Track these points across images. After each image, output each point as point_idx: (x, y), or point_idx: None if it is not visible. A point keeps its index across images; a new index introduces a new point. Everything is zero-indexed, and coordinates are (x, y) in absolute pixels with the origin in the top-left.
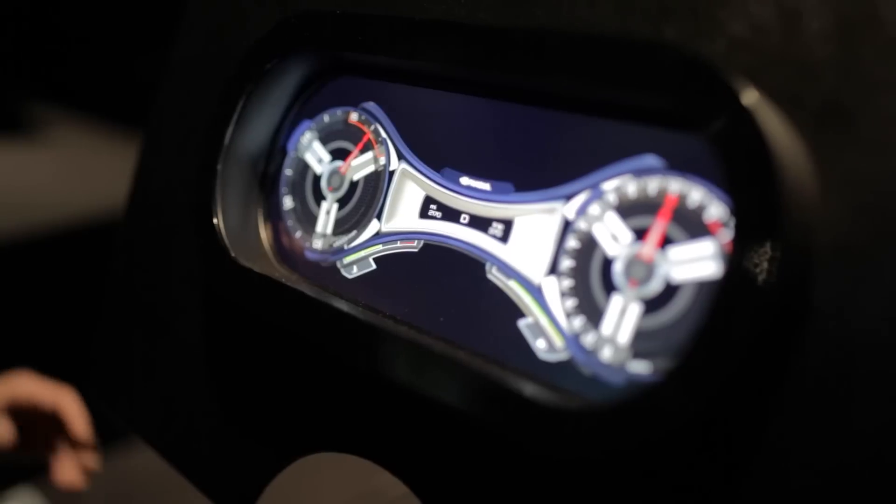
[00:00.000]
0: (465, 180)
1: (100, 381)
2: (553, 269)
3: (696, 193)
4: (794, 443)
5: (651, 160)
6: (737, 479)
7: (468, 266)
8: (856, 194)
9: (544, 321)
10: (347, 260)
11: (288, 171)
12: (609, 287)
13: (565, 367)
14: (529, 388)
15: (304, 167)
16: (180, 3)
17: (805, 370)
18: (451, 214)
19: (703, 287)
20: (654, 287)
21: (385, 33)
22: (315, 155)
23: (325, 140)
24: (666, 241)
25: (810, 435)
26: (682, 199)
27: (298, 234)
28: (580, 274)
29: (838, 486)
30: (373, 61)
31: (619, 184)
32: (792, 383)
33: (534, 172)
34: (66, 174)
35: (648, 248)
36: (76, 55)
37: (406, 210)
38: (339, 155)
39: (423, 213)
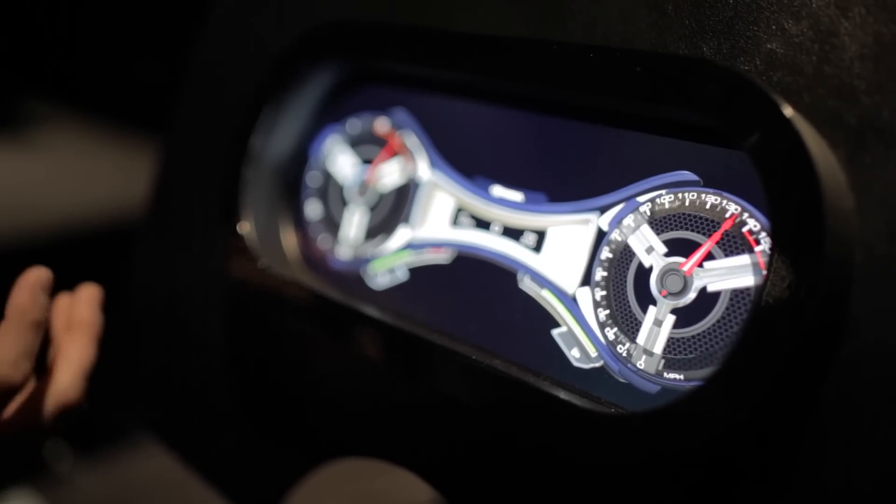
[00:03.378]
0: (497, 190)
1: (118, 386)
2: (587, 280)
3: (732, 207)
4: (833, 451)
5: (687, 174)
6: (774, 488)
7: (500, 276)
8: (892, 210)
9: (578, 331)
10: (374, 267)
11: (314, 178)
12: (644, 297)
13: (599, 375)
14: (566, 396)
15: (330, 174)
16: (185, 4)
17: (843, 380)
18: (482, 224)
19: (740, 298)
20: (689, 298)
21: (420, 44)
22: (342, 162)
23: (353, 147)
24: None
25: (849, 444)
26: (714, 210)
27: (325, 241)
28: (614, 284)
29: (875, 494)
30: (404, 70)
31: (654, 197)
32: (830, 393)
33: (568, 184)
34: (66, 176)
35: (694, 266)
36: (77, 55)
37: (436, 218)
38: (367, 162)
39: (454, 222)
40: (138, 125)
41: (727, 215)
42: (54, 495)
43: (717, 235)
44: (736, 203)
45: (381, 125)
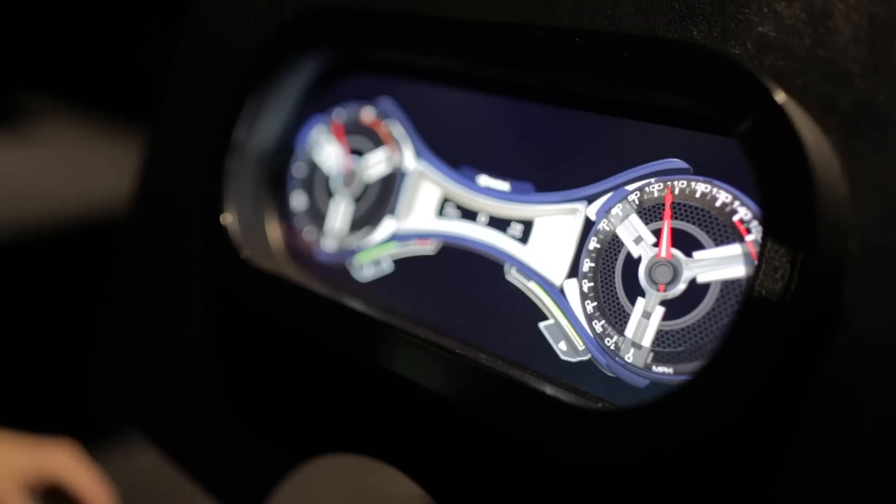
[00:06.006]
0: (483, 180)
1: (104, 381)
2: (574, 271)
3: (722, 196)
4: (828, 446)
5: (676, 162)
6: (767, 484)
7: (486, 267)
8: (886, 198)
9: (565, 323)
10: (359, 259)
11: (300, 169)
12: (632, 289)
13: (586, 369)
14: (553, 390)
15: (315, 165)
16: None
17: (837, 373)
18: (468, 214)
19: (730, 289)
20: (679, 289)
21: (405, 30)
22: (327, 153)
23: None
24: (693, 244)
25: (844, 438)
26: (704, 199)
27: (310, 232)
28: (602, 276)
29: (871, 490)
30: (390, 58)
31: (642, 186)
32: (824, 387)
33: (555, 173)
34: (62, 169)
35: (668, 248)
36: (73, 46)
37: (422, 209)
38: (353, 152)
39: (440, 213)
40: (134, 118)
41: (717, 204)
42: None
43: (667, 213)
44: (726, 191)
45: (368, 114)
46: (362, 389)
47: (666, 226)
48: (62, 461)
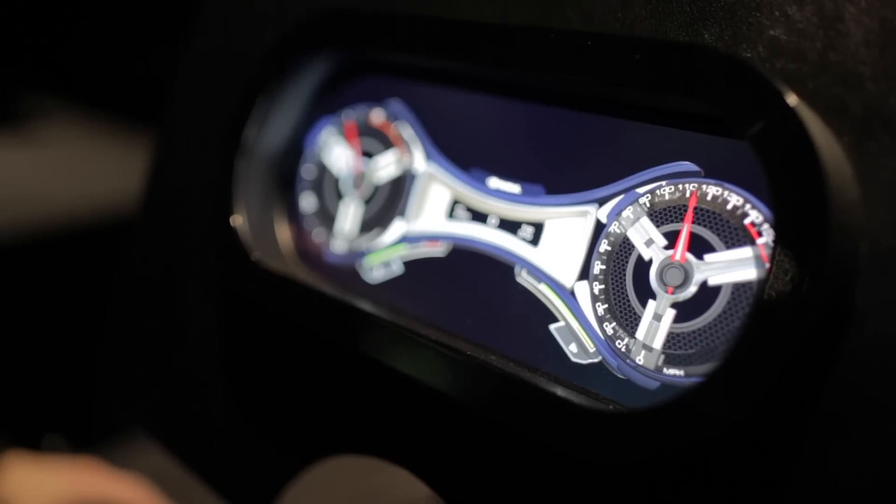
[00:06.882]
0: (493, 182)
1: (111, 381)
2: (585, 274)
3: (733, 199)
4: (840, 449)
5: (687, 165)
6: (779, 487)
7: (497, 269)
8: None
9: (576, 325)
10: (369, 260)
11: (309, 171)
12: (643, 291)
13: (597, 371)
14: (564, 392)
15: (324, 166)
16: None
17: (849, 375)
18: (478, 216)
19: (742, 291)
20: (690, 292)
21: (415, 32)
22: (336, 154)
23: (347, 139)
24: (704, 247)
25: (856, 441)
26: (715, 202)
27: (319, 234)
28: (613, 278)
29: (884, 493)
30: (400, 60)
31: (653, 188)
32: (835, 389)
33: (566, 175)
34: (66, 170)
35: (684, 252)
36: (78, 48)
37: (432, 211)
38: (362, 154)
39: (450, 215)
40: (139, 119)
41: (728, 206)
42: None
43: (689, 216)
44: (737, 194)
45: (378, 116)
46: (372, 391)
47: (685, 229)
48: (97, 481)
